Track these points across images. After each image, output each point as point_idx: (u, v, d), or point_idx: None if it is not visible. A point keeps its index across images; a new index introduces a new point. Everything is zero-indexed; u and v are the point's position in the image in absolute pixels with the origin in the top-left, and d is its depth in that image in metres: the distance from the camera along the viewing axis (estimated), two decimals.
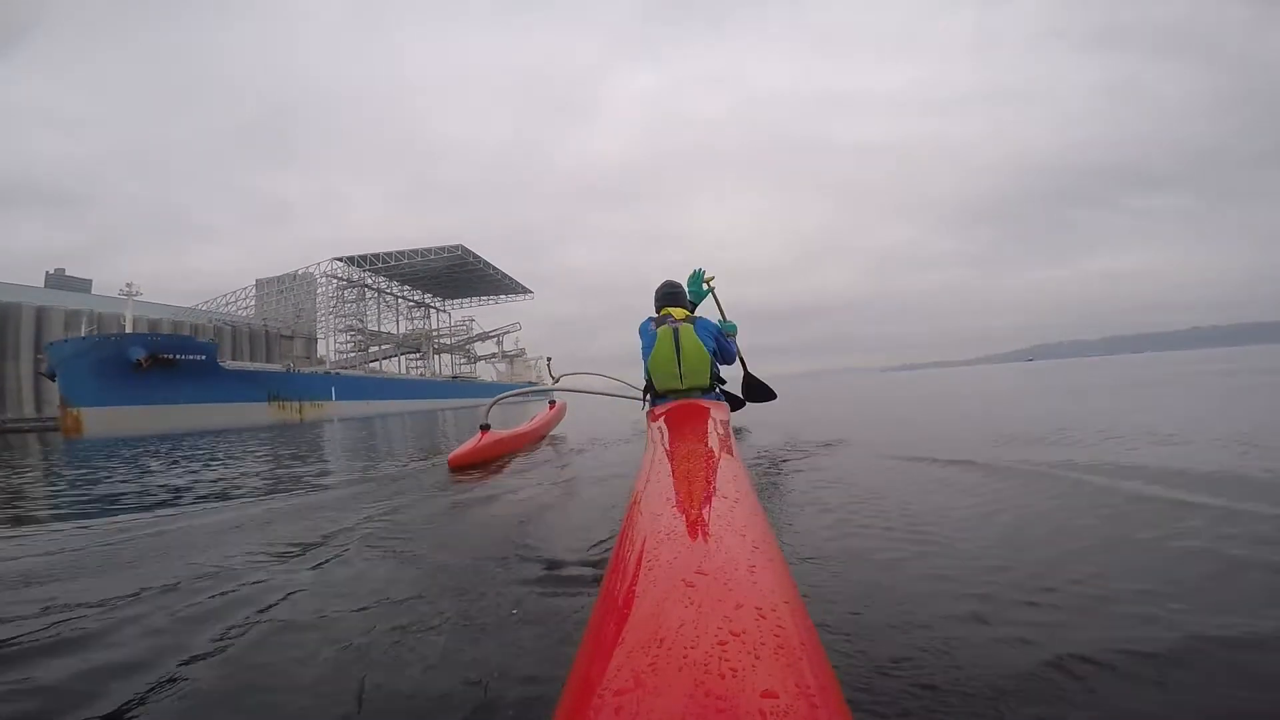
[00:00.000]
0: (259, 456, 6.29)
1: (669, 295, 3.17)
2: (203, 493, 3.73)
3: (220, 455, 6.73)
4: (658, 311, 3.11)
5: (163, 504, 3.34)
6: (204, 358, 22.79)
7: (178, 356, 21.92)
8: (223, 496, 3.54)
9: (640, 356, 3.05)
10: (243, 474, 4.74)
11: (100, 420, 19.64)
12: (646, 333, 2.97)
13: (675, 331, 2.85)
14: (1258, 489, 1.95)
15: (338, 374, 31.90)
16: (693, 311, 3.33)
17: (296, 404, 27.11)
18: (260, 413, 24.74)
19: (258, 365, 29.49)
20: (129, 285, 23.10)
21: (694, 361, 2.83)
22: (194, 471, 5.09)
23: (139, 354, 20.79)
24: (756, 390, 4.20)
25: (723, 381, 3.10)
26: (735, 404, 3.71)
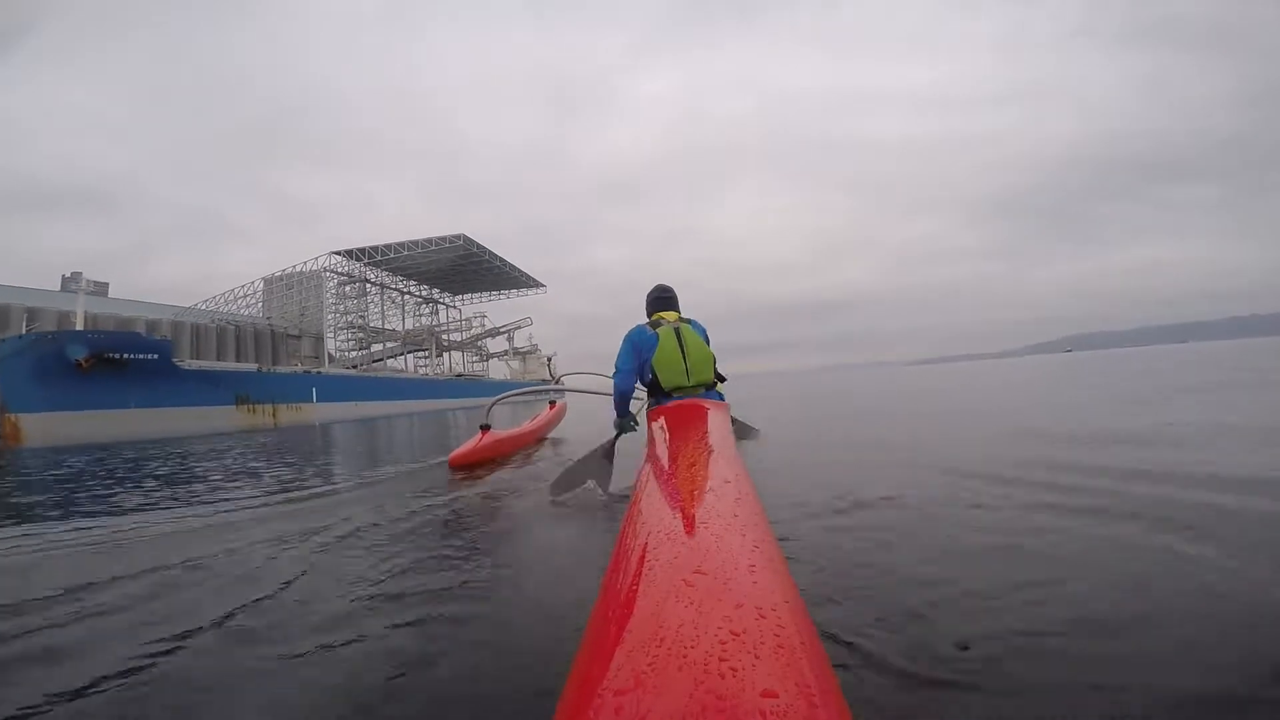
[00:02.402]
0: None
1: (661, 300, 3.21)
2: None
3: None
4: (650, 316, 3.17)
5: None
6: (156, 357, 21.21)
7: (126, 356, 20.28)
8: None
9: (616, 360, 3.09)
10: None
11: (40, 427, 18.24)
12: (643, 335, 3.02)
13: (677, 331, 2.95)
14: None
15: (320, 373, 29.87)
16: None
17: (269, 407, 25.17)
18: (226, 417, 22.97)
19: (223, 364, 27.36)
20: (82, 277, 21.55)
21: (699, 357, 2.92)
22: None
23: (80, 353, 19.16)
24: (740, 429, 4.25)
25: (723, 378, 3.15)
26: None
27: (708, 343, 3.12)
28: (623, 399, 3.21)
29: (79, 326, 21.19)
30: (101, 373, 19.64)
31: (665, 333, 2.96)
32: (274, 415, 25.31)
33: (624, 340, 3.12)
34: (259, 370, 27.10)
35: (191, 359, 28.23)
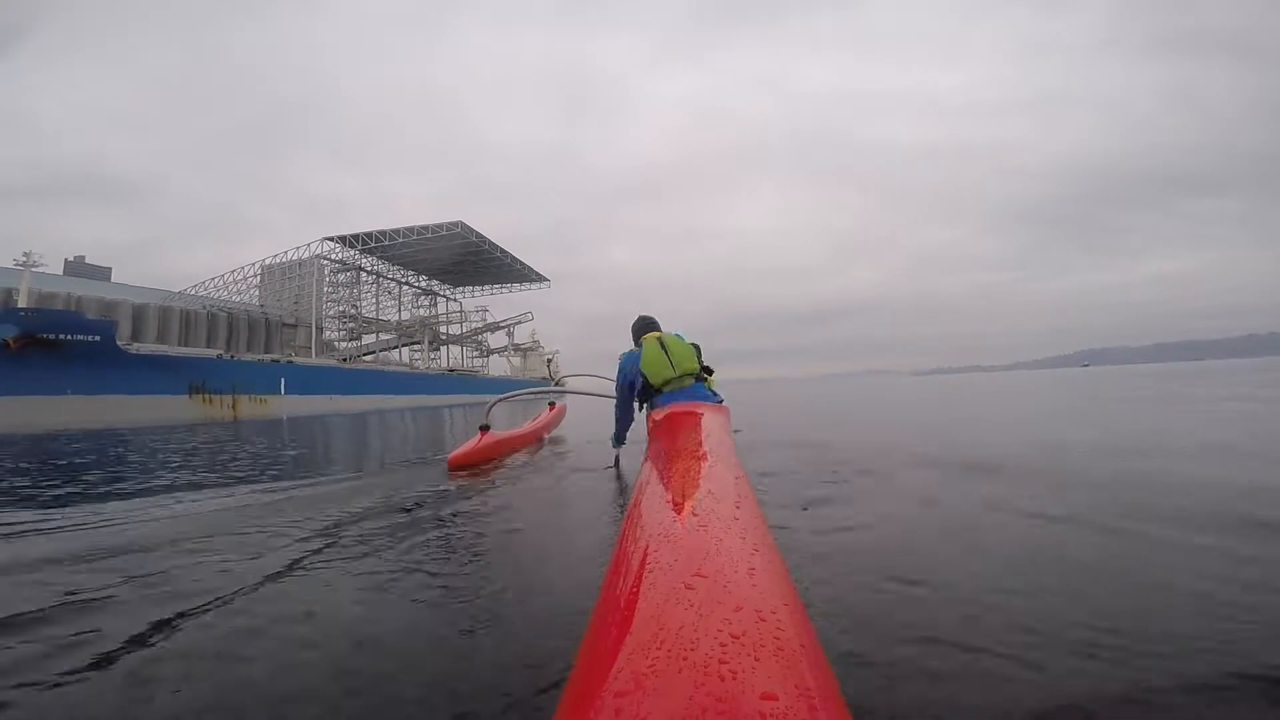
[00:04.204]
0: None
1: (645, 326, 3.66)
2: None
3: None
4: (636, 342, 3.60)
5: None
6: (98, 339, 19.82)
7: (61, 337, 18.92)
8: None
9: (614, 390, 3.70)
10: None
11: None
12: (629, 355, 3.50)
13: (659, 338, 3.41)
14: None
15: (290, 363, 28.58)
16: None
17: (229, 398, 23.80)
18: (178, 408, 21.60)
19: (179, 350, 25.68)
20: (26, 255, 20.11)
21: (680, 352, 3.33)
22: None
23: (8, 333, 18.02)
24: None
25: (710, 371, 3.53)
26: None
27: (694, 348, 3.50)
28: (622, 426, 3.80)
29: (22, 304, 19.96)
30: (33, 354, 18.43)
31: (648, 341, 3.41)
32: (233, 407, 23.88)
33: (617, 373, 3.60)
34: (219, 357, 25.70)
35: (180, 346, 27.88)
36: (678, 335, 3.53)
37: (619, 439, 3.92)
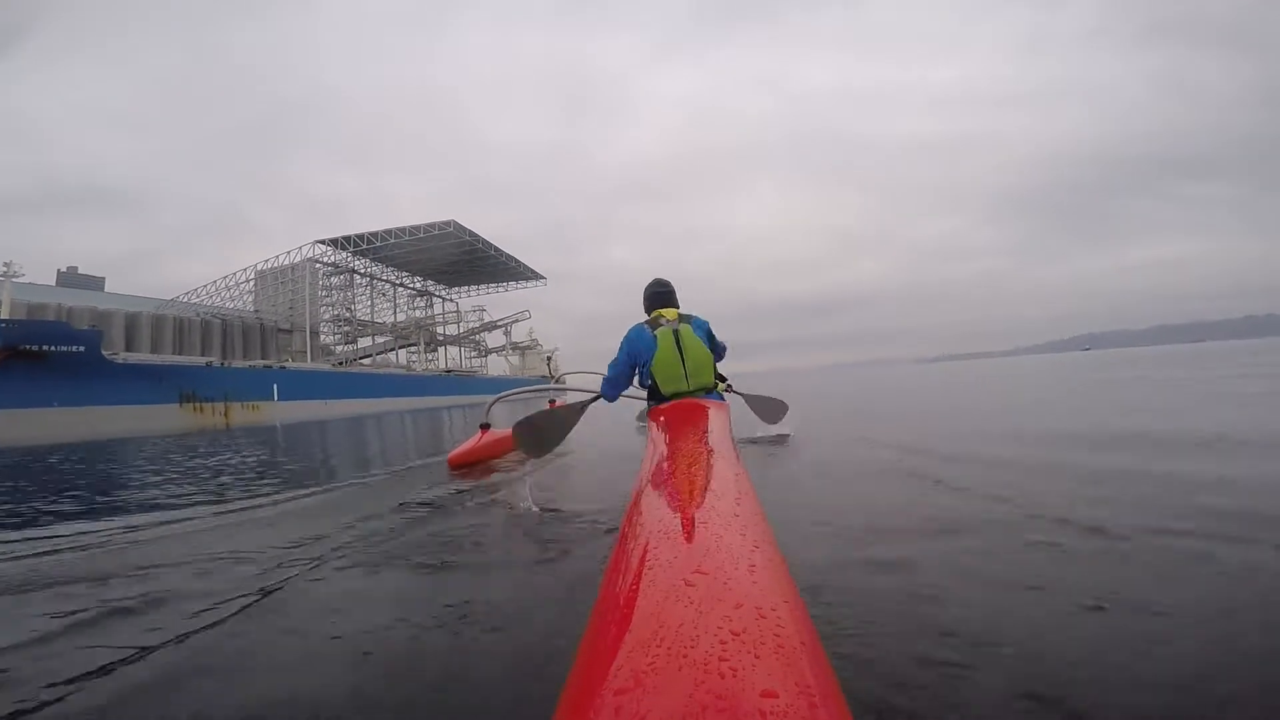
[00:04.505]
0: None
1: (659, 295, 3.18)
2: None
3: None
4: (648, 313, 3.14)
5: None
6: (82, 349, 19.58)
7: (46, 348, 18.70)
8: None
9: (616, 361, 3.10)
10: None
11: None
12: (641, 337, 3.00)
13: (676, 333, 2.91)
14: None
15: (283, 368, 28.02)
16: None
17: (221, 405, 23.47)
18: (169, 417, 21.30)
19: (167, 358, 25.39)
20: (6, 265, 19.82)
21: (698, 362, 2.89)
22: None
23: None
24: (766, 408, 4.29)
25: (724, 379, 3.17)
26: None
27: (710, 340, 3.08)
28: (610, 385, 3.21)
29: (4, 315, 19.44)
30: (17, 367, 18.15)
31: (664, 335, 2.92)
32: (225, 415, 23.57)
33: (622, 341, 3.10)
34: (209, 364, 25.34)
35: (174, 354, 27.72)
36: (693, 326, 3.02)
37: (610, 397, 3.28)
